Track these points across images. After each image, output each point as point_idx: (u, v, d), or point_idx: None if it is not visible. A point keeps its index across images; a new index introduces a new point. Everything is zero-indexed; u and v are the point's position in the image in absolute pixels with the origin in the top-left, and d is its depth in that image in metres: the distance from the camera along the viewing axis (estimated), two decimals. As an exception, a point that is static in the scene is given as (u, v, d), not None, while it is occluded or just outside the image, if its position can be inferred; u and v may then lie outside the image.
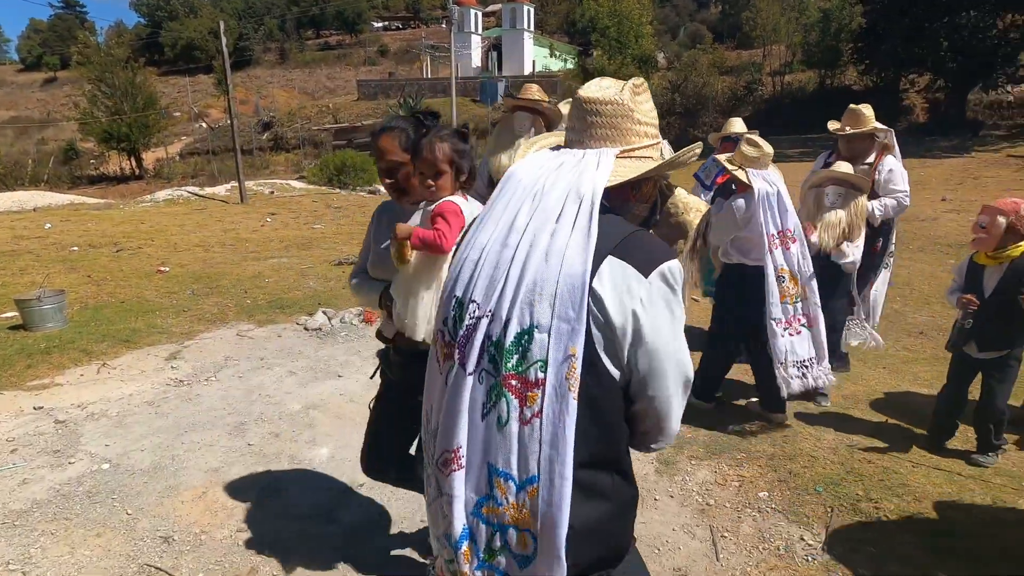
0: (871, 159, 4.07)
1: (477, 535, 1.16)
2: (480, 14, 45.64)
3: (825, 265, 3.68)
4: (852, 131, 3.96)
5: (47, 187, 23.28)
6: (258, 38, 53.24)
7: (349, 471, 3.09)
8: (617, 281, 1.11)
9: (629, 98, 1.24)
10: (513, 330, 1.11)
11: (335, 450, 3.35)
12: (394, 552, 2.59)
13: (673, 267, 1.15)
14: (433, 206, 1.86)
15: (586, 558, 1.15)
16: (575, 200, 1.14)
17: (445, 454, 1.18)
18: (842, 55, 29.60)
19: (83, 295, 6.34)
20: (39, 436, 3.50)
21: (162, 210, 12.84)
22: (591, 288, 1.09)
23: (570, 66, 36.12)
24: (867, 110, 3.98)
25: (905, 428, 3.57)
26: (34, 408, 3.83)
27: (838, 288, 3.86)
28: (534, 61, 42.30)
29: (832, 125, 4.14)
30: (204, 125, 35.66)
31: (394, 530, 2.72)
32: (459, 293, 1.22)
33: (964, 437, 3.38)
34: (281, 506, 2.88)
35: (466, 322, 1.17)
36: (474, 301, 1.17)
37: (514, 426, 1.11)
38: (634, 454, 1.31)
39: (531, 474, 1.10)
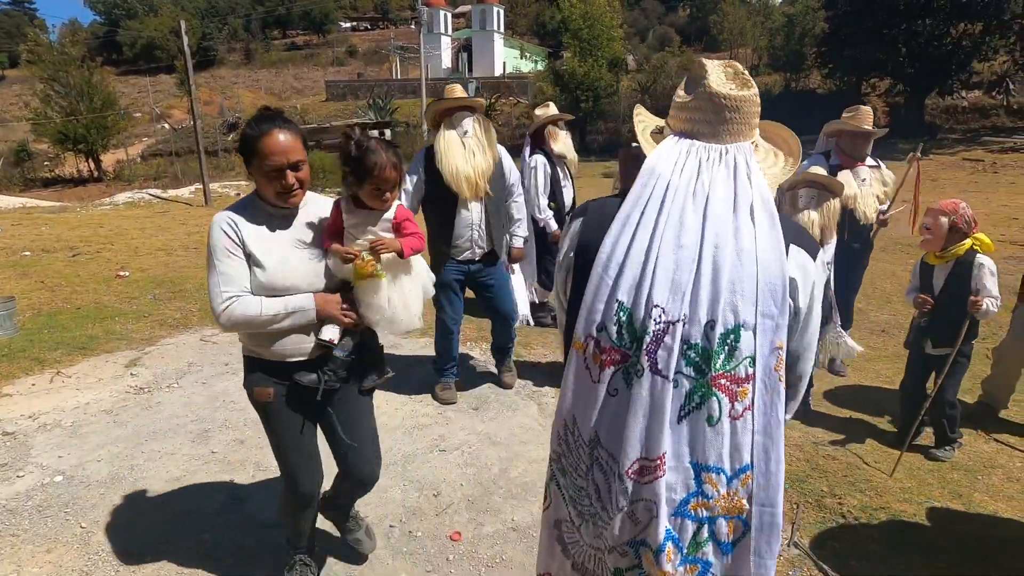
0: (871, 161, 4.15)
1: (681, 533, 1.19)
2: (450, 15, 45.52)
3: None
4: (870, 128, 3.96)
5: (-3, 189, 22.42)
6: (222, 38, 52.09)
7: (315, 478, 3.02)
8: (800, 268, 1.21)
9: (756, 92, 1.27)
10: (718, 331, 1.14)
11: (301, 457, 3.27)
12: (363, 558, 2.54)
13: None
14: (390, 214, 2.05)
15: None
16: (745, 200, 1.18)
17: (644, 462, 1.18)
18: (806, 59, 30.32)
19: (36, 301, 6.10)
20: (-13, 449, 3.35)
21: (122, 213, 12.48)
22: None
23: (540, 67, 36.26)
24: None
25: (867, 424, 3.64)
26: (-18, 420, 3.67)
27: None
28: (504, 62, 42.33)
29: (847, 124, 4.01)
30: (167, 126, 34.76)
31: (362, 538, 2.66)
32: (623, 297, 1.19)
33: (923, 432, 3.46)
34: (246, 515, 2.80)
35: (652, 328, 1.16)
36: (657, 306, 1.16)
37: (726, 422, 1.15)
38: None
39: (743, 464, 1.16)
